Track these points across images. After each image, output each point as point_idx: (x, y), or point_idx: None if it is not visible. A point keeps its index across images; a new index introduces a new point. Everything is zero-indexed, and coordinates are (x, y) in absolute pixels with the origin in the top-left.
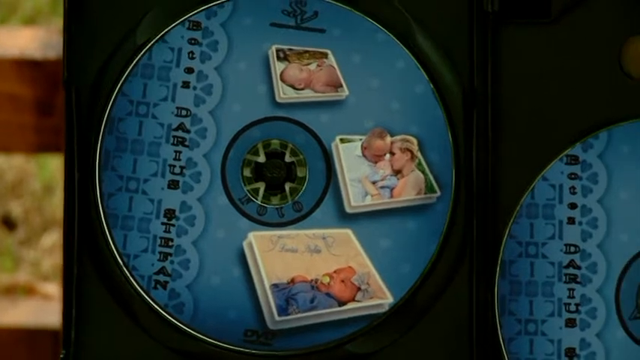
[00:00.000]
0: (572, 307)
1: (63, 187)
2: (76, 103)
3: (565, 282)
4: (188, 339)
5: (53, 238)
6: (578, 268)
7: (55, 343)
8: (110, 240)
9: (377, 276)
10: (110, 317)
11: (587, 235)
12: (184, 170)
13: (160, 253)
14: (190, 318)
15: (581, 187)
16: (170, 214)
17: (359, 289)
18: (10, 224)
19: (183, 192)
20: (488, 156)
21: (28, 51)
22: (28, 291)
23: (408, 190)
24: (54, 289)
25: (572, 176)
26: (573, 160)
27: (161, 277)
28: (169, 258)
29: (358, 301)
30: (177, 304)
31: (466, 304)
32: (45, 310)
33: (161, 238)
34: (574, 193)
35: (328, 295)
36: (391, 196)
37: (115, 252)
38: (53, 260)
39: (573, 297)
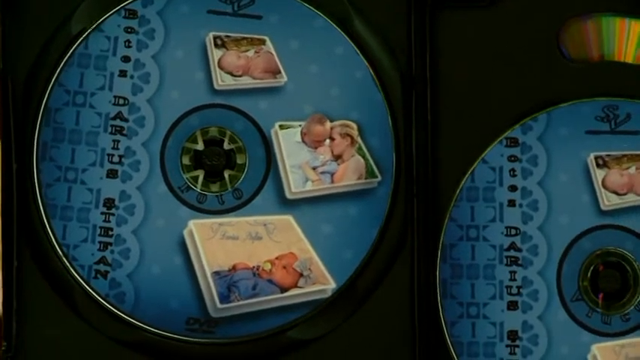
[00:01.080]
0: (514, 290)
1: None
2: (12, 94)
3: (506, 264)
4: (129, 328)
5: None
6: (519, 250)
7: None
8: (49, 230)
9: (319, 262)
10: (51, 308)
11: (528, 218)
12: (123, 159)
13: (100, 242)
14: (132, 307)
15: (521, 169)
16: (109, 203)
17: (301, 275)
18: None
19: (122, 181)
20: (428, 140)
21: None
22: None
23: (349, 175)
24: None
25: (512, 159)
26: (513, 142)
27: (101, 267)
28: (109, 247)
29: (300, 287)
30: (118, 293)
31: (407, 288)
32: None
33: (101, 227)
34: (514, 176)
35: (270, 281)
36: (332, 182)
37: (55, 242)
38: None
39: (515, 280)
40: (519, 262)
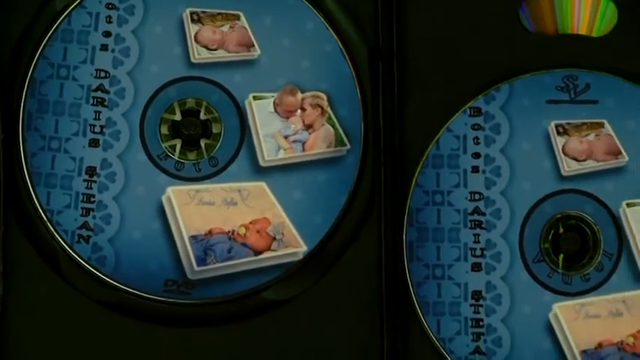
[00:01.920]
0: (478, 252)
1: None
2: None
3: (470, 228)
4: (111, 290)
5: None
6: (483, 214)
7: None
8: (34, 197)
9: (291, 226)
10: (36, 271)
11: (491, 183)
12: (104, 129)
13: (83, 208)
14: (112, 270)
15: (485, 137)
16: (91, 171)
17: (274, 238)
18: None
19: (103, 150)
20: (395, 110)
21: None
22: None
23: (319, 143)
24: None
25: (476, 127)
26: (476, 112)
27: (84, 232)
28: (91, 213)
29: (273, 251)
30: (100, 257)
31: (376, 251)
32: None
33: (83, 194)
34: (477, 143)
35: (244, 245)
36: (303, 150)
37: (39, 208)
38: None
39: (479, 242)
40: (483, 225)
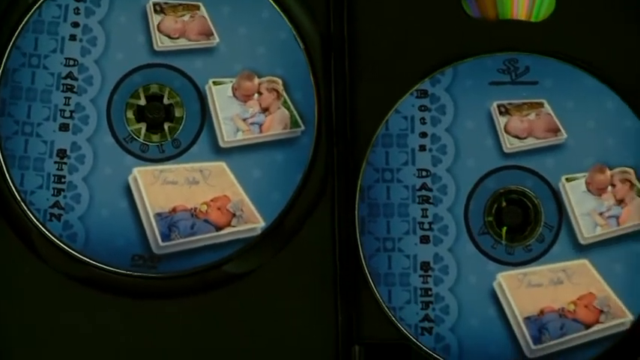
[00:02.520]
0: (426, 226)
1: None
2: None
3: (418, 203)
4: (81, 265)
5: None
6: (430, 190)
7: None
8: (8, 178)
9: (249, 203)
10: (11, 248)
11: (437, 161)
12: (74, 114)
13: (54, 189)
14: (83, 246)
15: (431, 117)
16: (62, 153)
17: (234, 215)
18: None
19: (73, 133)
20: (346, 93)
21: None
22: None
23: (275, 125)
24: None
25: (422, 108)
26: (423, 94)
27: (55, 211)
28: (62, 193)
29: (233, 226)
30: (71, 234)
31: (330, 226)
32: None
33: (54, 175)
34: (424, 124)
35: (206, 221)
36: (260, 132)
37: (13, 189)
38: None
39: (426, 216)
40: (430, 200)
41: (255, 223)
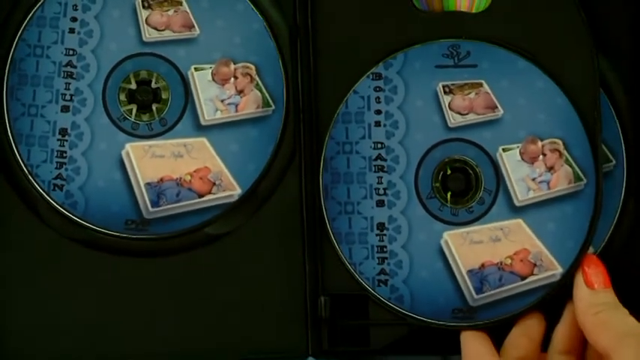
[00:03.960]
0: (381, 191)
1: None
2: None
3: (374, 171)
4: (81, 229)
5: None
6: (385, 160)
7: None
8: (17, 154)
9: (227, 173)
10: (19, 215)
11: (391, 135)
12: (73, 97)
13: (57, 162)
14: (82, 212)
15: (385, 97)
16: (63, 132)
17: (214, 184)
18: None
19: (73, 114)
20: (311, 77)
21: None
22: None
23: (250, 105)
24: None
25: (377, 89)
26: (377, 76)
27: (58, 182)
28: (64, 166)
29: (214, 194)
30: (72, 202)
31: (298, 192)
32: None
33: (57, 151)
34: (379, 102)
35: (190, 189)
36: (236, 111)
37: (21, 163)
38: None
39: (382, 183)
40: (385, 169)
41: (232, 190)
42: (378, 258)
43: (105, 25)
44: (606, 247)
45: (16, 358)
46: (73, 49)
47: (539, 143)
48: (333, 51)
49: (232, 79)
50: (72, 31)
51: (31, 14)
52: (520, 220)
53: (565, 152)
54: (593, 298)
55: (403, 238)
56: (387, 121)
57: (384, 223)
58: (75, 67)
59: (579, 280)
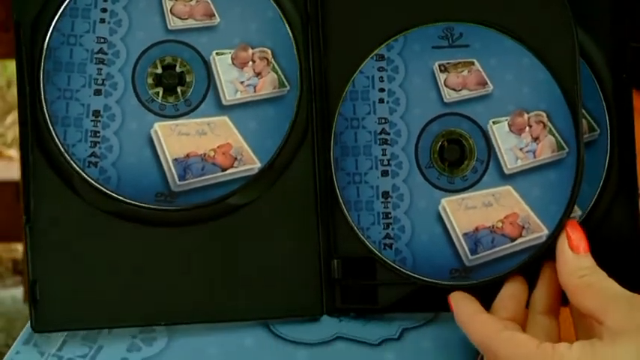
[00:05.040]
0: (385, 162)
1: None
2: (23, 38)
3: (379, 144)
4: (114, 202)
5: (14, 117)
6: (388, 134)
7: (17, 191)
8: (54, 134)
9: (247, 148)
10: (56, 190)
11: (393, 110)
12: (105, 82)
13: (91, 141)
14: (115, 186)
15: (387, 76)
16: (96, 113)
17: (235, 158)
18: None
19: (105, 97)
20: (321, 59)
21: None
22: None
23: (267, 86)
24: (14, 153)
25: (380, 69)
26: (380, 57)
27: (93, 159)
28: (98, 145)
29: (235, 167)
30: (106, 177)
31: (311, 164)
32: (9, 168)
33: (91, 131)
34: (382, 81)
35: (214, 164)
36: (255, 91)
37: (58, 143)
38: (14, 133)
39: (386, 155)
40: (388, 142)
41: (252, 164)
42: (383, 223)
43: (133, 15)
44: (591, 211)
45: (55, 325)
46: (104, 38)
47: (526, 116)
48: (342, 36)
49: (250, 62)
50: (102, 21)
51: (63, 6)
52: (509, 187)
53: (549, 123)
54: (578, 262)
55: (405, 205)
56: (390, 98)
57: (388, 192)
58: (106, 54)
59: (564, 245)
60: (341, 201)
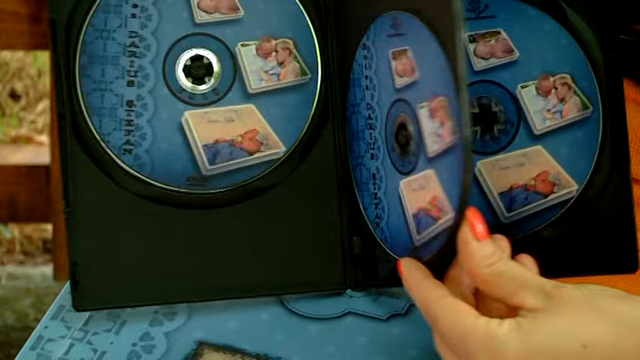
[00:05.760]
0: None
1: (50, 75)
2: (58, 34)
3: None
4: (149, 186)
5: (44, 105)
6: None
7: (47, 175)
8: (90, 124)
9: (273, 133)
10: (93, 176)
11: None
12: (137, 73)
13: (125, 130)
14: (149, 172)
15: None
16: (130, 103)
17: (262, 143)
18: (15, 96)
19: (137, 88)
20: (339, 48)
21: None
22: (28, 140)
23: (289, 74)
24: (45, 139)
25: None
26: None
27: (127, 147)
28: (132, 133)
29: (262, 152)
30: (140, 163)
31: (332, 147)
32: (39, 153)
33: (125, 120)
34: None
35: (241, 149)
36: (278, 80)
37: (94, 132)
38: (44, 120)
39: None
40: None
41: (278, 148)
42: (375, 204)
43: (162, 10)
44: (588, 185)
45: (95, 304)
46: (136, 32)
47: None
48: (355, 29)
49: (274, 52)
50: (134, 16)
51: (97, 3)
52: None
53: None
54: (484, 251)
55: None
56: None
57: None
58: (138, 47)
59: (467, 235)
60: (353, 182)
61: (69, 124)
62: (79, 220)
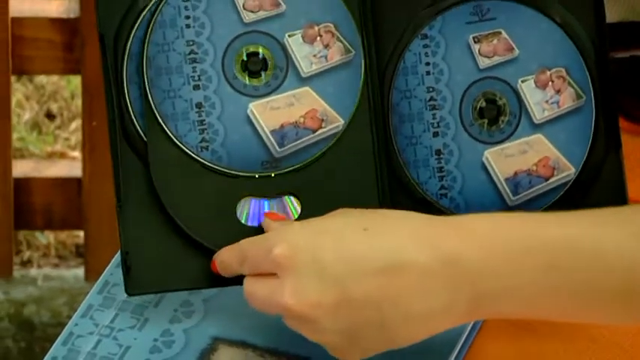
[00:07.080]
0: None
1: (82, 97)
2: (107, 47)
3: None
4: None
5: (77, 124)
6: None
7: (79, 186)
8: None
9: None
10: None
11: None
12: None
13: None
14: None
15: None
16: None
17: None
18: (51, 116)
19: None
20: (377, 35)
21: (57, 13)
22: (62, 156)
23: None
24: (77, 154)
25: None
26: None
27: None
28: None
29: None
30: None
31: (369, 130)
32: (72, 167)
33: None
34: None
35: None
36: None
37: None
38: (77, 137)
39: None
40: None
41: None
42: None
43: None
44: (583, 169)
45: (145, 288)
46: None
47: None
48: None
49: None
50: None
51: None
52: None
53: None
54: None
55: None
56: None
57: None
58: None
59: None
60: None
61: (118, 127)
62: (128, 213)
